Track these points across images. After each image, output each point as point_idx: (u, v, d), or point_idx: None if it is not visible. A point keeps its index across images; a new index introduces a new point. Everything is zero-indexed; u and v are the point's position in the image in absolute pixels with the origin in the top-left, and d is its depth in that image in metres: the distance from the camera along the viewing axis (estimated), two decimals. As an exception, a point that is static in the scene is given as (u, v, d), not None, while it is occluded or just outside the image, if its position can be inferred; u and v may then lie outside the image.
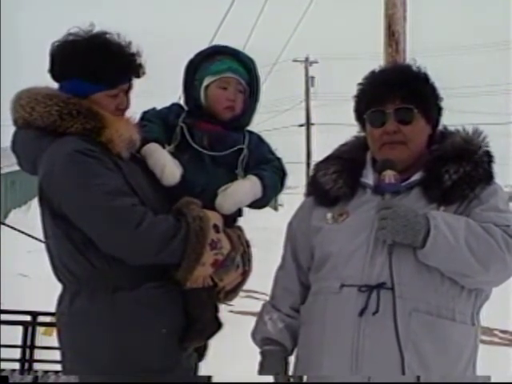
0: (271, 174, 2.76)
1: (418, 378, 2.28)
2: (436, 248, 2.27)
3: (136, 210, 2.44)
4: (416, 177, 2.43)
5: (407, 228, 2.27)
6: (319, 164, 2.60)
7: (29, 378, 4.09)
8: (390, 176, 2.37)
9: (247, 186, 2.70)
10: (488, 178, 2.40)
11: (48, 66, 2.60)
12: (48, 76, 2.62)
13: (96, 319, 2.47)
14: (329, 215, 2.50)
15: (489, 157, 2.44)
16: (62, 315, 2.58)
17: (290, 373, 2.54)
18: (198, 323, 2.59)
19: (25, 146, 2.59)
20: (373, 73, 2.53)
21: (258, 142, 2.80)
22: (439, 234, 2.26)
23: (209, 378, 2.83)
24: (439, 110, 2.51)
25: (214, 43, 2.93)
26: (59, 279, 2.59)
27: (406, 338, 2.28)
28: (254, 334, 2.61)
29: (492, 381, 2.49)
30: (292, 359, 2.56)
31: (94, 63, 2.52)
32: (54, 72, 2.59)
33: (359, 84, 2.53)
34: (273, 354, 2.54)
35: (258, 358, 2.58)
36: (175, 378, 2.53)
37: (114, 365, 2.46)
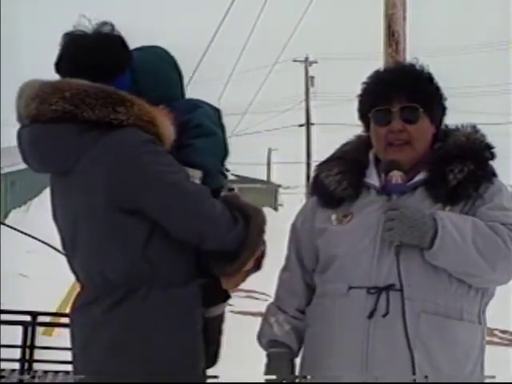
0: None
1: (426, 377, 2.27)
2: (444, 249, 2.26)
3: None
4: (420, 176, 2.42)
5: (414, 229, 2.27)
6: (321, 165, 2.59)
7: (27, 378, 4.09)
8: (397, 177, 2.37)
9: None
10: (491, 175, 2.40)
11: (91, 59, 2.46)
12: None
13: (151, 318, 2.39)
14: (333, 216, 2.48)
15: (491, 154, 2.44)
16: (99, 320, 2.40)
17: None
18: (213, 346, 2.61)
19: (59, 140, 2.40)
20: (377, 72, 2.52)
21: None
22: (447, 235, 2.26)
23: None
24: (443, 109, 2.51)
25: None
26: (99, 282, 2.41)
27: (415, 339, 2.27)
28: (259, 337, 2.57)
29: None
30: (298, 361, 2.54)
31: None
32: (102, 67, 2.46)
33: (363, 83, 2.52)
34: (280, 357, 2.51)
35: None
36: (195, 377, 2.48)
37: (150, 364, 2.38)
